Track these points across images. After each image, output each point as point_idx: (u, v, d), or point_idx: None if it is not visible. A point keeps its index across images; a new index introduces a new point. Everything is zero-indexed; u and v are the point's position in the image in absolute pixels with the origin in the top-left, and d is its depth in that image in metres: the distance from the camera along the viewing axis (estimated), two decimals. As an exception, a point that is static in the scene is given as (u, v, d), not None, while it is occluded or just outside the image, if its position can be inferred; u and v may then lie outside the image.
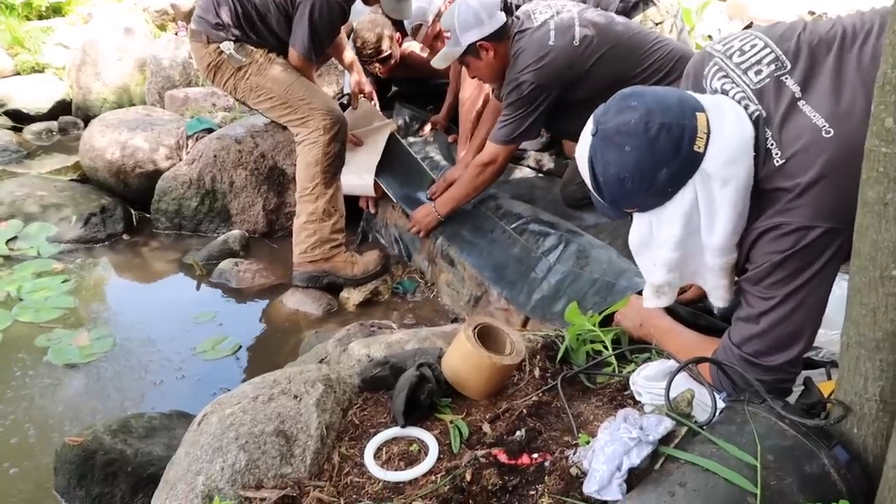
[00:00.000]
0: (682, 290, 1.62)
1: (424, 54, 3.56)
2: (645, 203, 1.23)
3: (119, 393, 2.31)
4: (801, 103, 1.19)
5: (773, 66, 1.23)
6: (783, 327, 1.23)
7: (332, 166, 2.86)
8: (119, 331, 2.63)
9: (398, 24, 3.46)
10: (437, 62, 2.63)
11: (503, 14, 2.46)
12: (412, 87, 3.80)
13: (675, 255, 1.24)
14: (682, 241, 1.22)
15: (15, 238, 3.19)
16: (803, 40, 1.24)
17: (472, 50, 2.48)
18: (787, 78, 1.21)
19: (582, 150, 1.25)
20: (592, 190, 1.26)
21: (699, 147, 1.15)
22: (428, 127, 3.51)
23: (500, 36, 2.46)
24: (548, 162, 3.24)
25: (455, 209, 2.77)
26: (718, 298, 1.32)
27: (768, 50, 1.24)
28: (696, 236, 1.23)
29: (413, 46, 3.54)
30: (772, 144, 1.18)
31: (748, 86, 1.23)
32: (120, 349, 2.53)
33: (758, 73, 1.23)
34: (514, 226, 2.61)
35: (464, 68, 2.81)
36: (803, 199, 1.15)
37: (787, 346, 1.24)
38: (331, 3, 2.77)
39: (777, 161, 1.17)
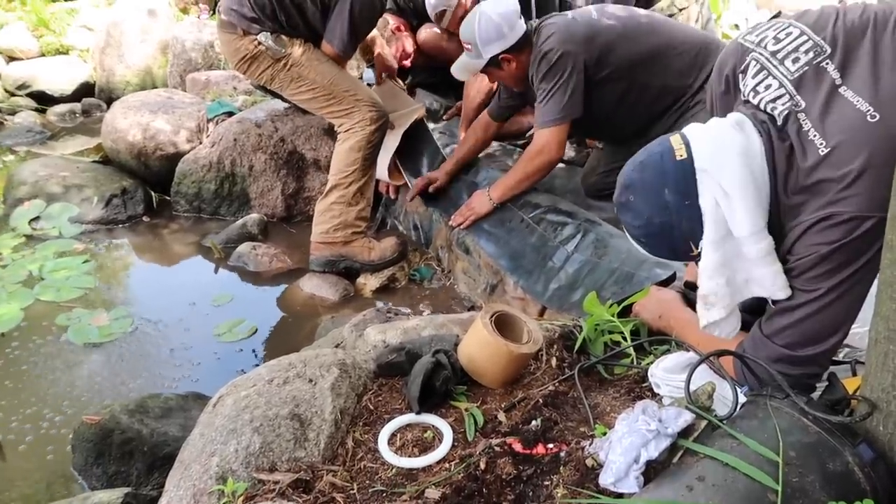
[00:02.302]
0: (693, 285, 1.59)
1: (444, 41, 3.52)
2: (687, 228, 1.22)
3: (136, 373, 2.32)
4: (842, 89, 1.16)
5: (811, 54, 1.20)
6: (819, 320, 1.20)
7: (372, 154, 2.88)
8: (138, 311, 2.65)
9: (405, 15, 3.42)
10: (458, 73, 2.59)
11: (522, 23, 2.42)
12: (432, 76, 3.76)
13: (715, 256, 1.22)
14: (717, 241, 1.20)
15: (37, 218, 3.22)
16: (839, 26, 1.21)
17: (494, 62, 2.43)
18: (827, 63, 1.19)
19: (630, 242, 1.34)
20: (653, 256, 1.33)
21: (681, 155, 1.21)
22: (449, 114, 3.48)
23: (522, 46, 2.41)
24: (568, 151, 3.20)
25: (508, 196, 2.65)
26: (779, 289, 1.24)
27: (805, 38, 1.22)
28: (729, 237, 1.21)
29: (429, 34, 3.50)
30: (814, 135, 1.15)
31: (785, 76, 1.21)
32: (138, 330, 2.54)
33: (795, 60, 1.21)
34: (531, 215, 2.58)
35: None
36: (855, 187, 1.12)
37: (822, 339, 1.22)
38: None
39: (822, 150, 1.14)
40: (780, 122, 1.20)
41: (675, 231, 1.23)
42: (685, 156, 1.20)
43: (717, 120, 1.27)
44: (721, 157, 1.19)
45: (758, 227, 1.19)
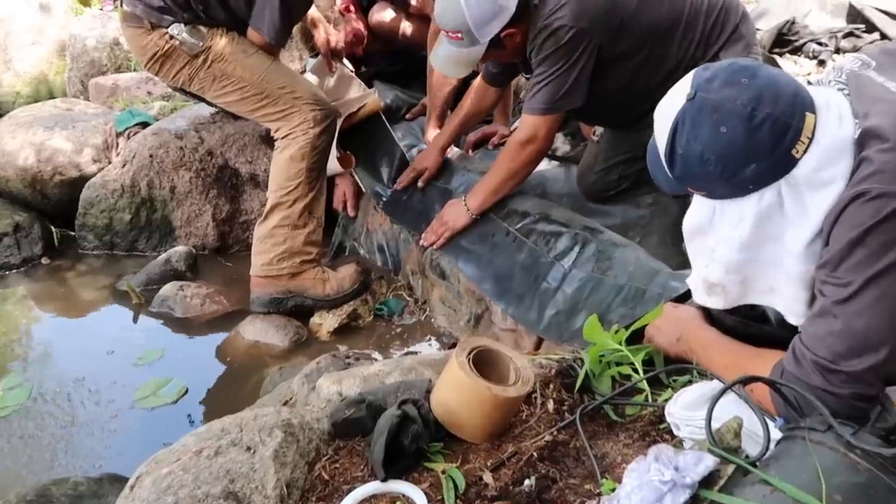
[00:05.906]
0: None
1: (406, 24, 3.56)
2: (717, 191, 1.30)
3: (37, 454, 2.29)
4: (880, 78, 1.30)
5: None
6: (865, 320, 1.21)
7: (319, 163, 2.88)
8: (37, 378, 2.63)
9: None
10: (450, 71, 2.54)
11: None
12: (391, 64, 3.79)
13: (739, 256, 1.32)
14: (749, 243, 1.29)
15: None
16: None
17: (495, 42, 2.36)
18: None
19: (668, 110, 1.30)
20: (663, 157, 1.32)
21: (797, 152, 1.23)
22: (413, 112, 3.50)
23: (522, 12, 2.33)
24: (561, 145, 3.23)
25: (489, 203, 2.63)
26: (796, 314, 1.35)
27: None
28: (773, 244, 1.29)
29: (384, 15, 3.54)
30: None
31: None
32: (38, 400, 2.52)
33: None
34: (518, 226, 2.58)
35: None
36: (882, 162, 1.18)
37: (871, 346, 1.22)
38: None
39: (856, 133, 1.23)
40: None
41: (707, 183, 1.29)
42: (798, 156, 1.22)
43: (838, 115, 1.26)
44: (823, 175, 1.22)
45: (815, 250, 1.26)
